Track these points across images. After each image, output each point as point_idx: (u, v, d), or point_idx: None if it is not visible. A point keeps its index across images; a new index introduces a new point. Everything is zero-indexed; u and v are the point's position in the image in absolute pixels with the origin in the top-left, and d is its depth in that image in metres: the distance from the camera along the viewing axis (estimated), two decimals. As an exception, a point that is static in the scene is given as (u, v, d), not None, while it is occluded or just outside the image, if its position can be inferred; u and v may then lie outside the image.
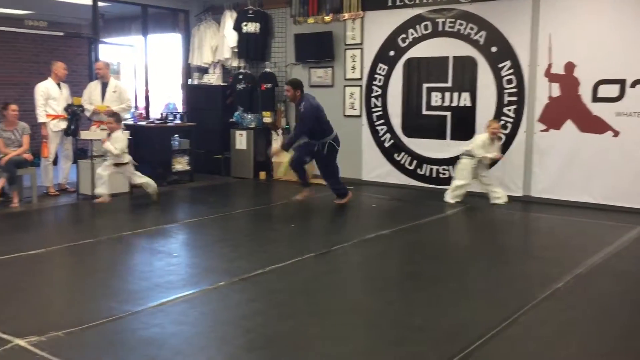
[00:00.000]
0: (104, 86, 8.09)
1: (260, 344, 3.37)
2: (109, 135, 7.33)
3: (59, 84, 7.91)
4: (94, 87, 8.15)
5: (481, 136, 7.37)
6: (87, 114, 8.16)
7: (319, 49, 9.20)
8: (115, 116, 7.50)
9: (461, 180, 7.44)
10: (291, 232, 6.31)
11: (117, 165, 7.31)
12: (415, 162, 8.59)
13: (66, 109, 7.89)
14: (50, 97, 7.81)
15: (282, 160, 7.92)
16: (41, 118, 7.77)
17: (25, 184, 7.42)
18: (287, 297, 4.20)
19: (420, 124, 8.49)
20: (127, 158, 7.40)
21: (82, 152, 8.32)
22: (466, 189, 7.45)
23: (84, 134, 7.88)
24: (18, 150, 7.12)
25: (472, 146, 7.31)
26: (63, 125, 7.89)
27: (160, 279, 4.52)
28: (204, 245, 5.78)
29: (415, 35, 8.39)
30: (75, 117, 7.92)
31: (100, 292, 4.22)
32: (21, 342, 3.27)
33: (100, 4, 9.44)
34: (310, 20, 9.32)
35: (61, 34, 10.29)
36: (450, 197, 7.51)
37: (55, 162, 8.01)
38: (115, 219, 6.90)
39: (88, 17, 9.75)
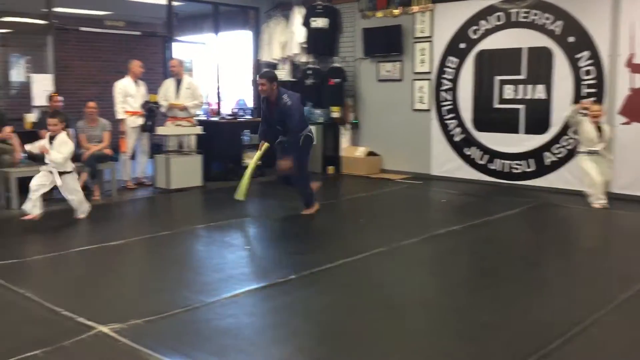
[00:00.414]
0: (178, 83, 8.34)
1: (331, 337, 3.40)
2: (51, 139, 6.05)
3: (136, 82, 8.22)
4: (169, 84, 8.42)
5: (584, 126, 6.80)
6: (163, 110, 8.45)
7: (387, 43, 9.13)
8: (60, 116, 6.13)
9: (596, 177, 6.77)
10: (360, 226, 6.31)
11: (60, 174, 6.02)
12: (486, 156, 8.40)
13: (143, 105, 8.19)
14: (128, 94, 8.13)
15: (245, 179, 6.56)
16: (120, 115, 8.10)
17: (105, 178, 7.76)
18: (357, 291, 4.21)
19: (492, 117, 8.29)
20: (71, 166, 6.17)
21: (157, 147, 8.62)
22: (602, 184, 6.84)
23: (160, 130, 8.15)
24: (99, 145, 7.45)
25: (582, 140, 6.86)
26: (140, 121, 8.19)
27: (232, 271, 4.63)
28: (274, 238, 5.88)
29: (488, 26, 8.18)
30: (151, 113, 8.23)
31: (177, 283, 4.36)
32: (104, 329, 3.43)
33: (174, 3, 9.73)
34: (379, 14, 9.26)
35: (138, 33, 10.67)
36: (595, 199, 6.81)
37: (133, 157, 8.34)
38: (188, 212, 7.12)
39: (163, 17, 10.08)
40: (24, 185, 6.46)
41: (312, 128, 6.63)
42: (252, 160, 6.58)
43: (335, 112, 9.60)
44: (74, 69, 11.31)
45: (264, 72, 6.43)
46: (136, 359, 3.10)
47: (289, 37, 10.01)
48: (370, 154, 9.51)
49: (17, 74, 9.50)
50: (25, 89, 8.53)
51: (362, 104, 9.72)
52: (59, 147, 5.99)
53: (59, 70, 8.45)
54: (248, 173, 6.49)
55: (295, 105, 6.17)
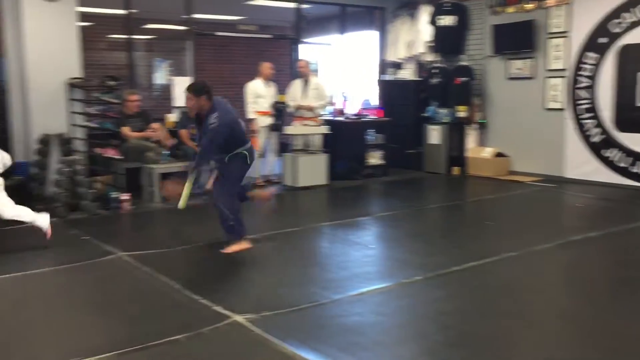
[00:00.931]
0: (306, 84, 8.55)
1: (460, 341, 3.33)
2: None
3: (266, 83, 8.53)
4: (297, 85, 8.65)
5: None
6: (290, 110, 8.70)
7: (518, 39, 8.76)
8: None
9: None
10: (488, 229, 6.11)
11: None
12: (629, 159, 7.79)
13: (272, 105, 8.49)
14: (258, 95, 8.46)
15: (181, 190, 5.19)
16: (250, 114, 8.45)
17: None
18: (486, 296, 4.08)
19: (635, 116, 7.68)
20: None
21: (285, 146, 8.89)
22: None
23: (288, 129, 8.41)
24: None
25: None
26: (269, 121, 8.50)
27: (358, 269, 4.68)
28: (398, 238, 5.85)
29: (633, 19, 7.59)
30: (280, 113, 8.51)
31: (304, 278, 4.49)
32: (239, 318, 3.60)
33: (302, 6, 9.99)
34: (510, 9, 8.91)
35: (269, 36, 11.07)
36: None
37: (262, 155, 8.67)
38: (314, 209, 7.29)
39: (292, 19, 10.39)
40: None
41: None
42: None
43: (462, 112, 9.37)
44: (208, 71, 11.96)
45: (190, 84, 5.12)
46: (268, 349, 3.23)
47: (414, 36, 9.92)
48: (499, 154, 9.18)
49: (159, 77, 10.23)
50: (166, 90, 9.16)
51: (490, 103, 9.41)
52: None
53: (196, 73, 8.98)
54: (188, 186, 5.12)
55: (220, 128, 4.84)
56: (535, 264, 4.83)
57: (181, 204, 5.06)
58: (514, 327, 3.53)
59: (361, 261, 4.94)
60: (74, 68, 7.10)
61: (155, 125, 7.51)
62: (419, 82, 9.93)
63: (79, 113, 7.11)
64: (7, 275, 4.52)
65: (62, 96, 7.02)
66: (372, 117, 9.72)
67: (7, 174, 5.30)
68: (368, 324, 3.59)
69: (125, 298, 4.08)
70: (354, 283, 4.29)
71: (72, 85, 7.06)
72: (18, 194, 6.57)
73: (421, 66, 10.06)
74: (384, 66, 10.63)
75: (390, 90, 10.39)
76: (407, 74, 10.13)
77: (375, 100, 11.42)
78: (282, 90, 8.88)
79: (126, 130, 7.22)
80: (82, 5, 7.40)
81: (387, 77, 10.44)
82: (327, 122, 8.81)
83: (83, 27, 7.43)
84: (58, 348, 3.30)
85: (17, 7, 6.92)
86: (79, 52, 7.20)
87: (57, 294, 4.24)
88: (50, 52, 6.97)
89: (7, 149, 6.67)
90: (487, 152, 9.22)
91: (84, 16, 7.57)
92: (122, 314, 3.78)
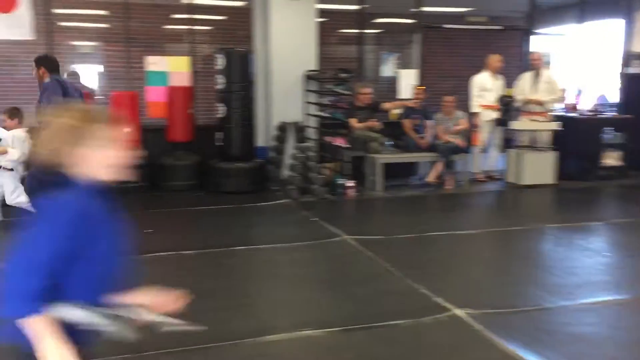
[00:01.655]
0: (536, 77, 8.10)
1: None
2: None
3: (494, 76, 8.27)
4: (526, 78, 8.24)
5: None
6: (517, 104, 8.33)
7: None
8: (11, 112, 5.54)
9: None
10: None
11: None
12: None
13: (499, 99, 8.21)
14: (484, 88, 8.24)
15: None
16: (474, 108, 8.27)
17: (457, 169, 8.05)
18: None
19: None
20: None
21: (509, 142, 8.55)
22: None
23: (514, 124, 8.07)
24: (459, 127, 7.80)
25: None
26: (495, 115, 8.24)
27: (590, 277, 4.35)
28: (637, 248, 5.29)
29: None
30: (506, 107, 8.19)
31: (526, 280, 4.31)
32: (458, 312, 3.59)
33: (537, -5, 9.47)
34: None
35: (500, 27, 10.70)
36: None
37: (485, 150, 8.45)
38: (539, 210, 6.92)
39: (524, 10, 9.89)
40: (388, 170, 7.29)
41: None
42: None
43: None
44: (433, 64, 11.96)
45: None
46: (488, 346, 3.18)
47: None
48: None
49: (386, 69, 10.51)
50: (392, 83, 9.38)
51: None
52: None
53: (421, 65, 9.03)
54: None
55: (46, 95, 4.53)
56: None
57: None
58: None
59: (593, 268, 4.58)
60: (310, 61, 7.63)
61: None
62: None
63: (313, 103, 7.63)
64: (242, 247, 5.06)
65: (299, 87, 7.60)
66: (610, 114, 8.88)
67: None
68: (602, 337, 3.33)
69: (349, 279, 4.32)
70: (586, 291, 4.00)
71: (308, 77, 7.60)
72: (258, 175, 7.35)
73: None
74: (629, 58, 9.59)
75: (634, 85, 9.35)
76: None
77: (614, 96, 10.40)
78: (509, 83, 8.54)
79: (353, 121, 7.58)
80: (321, 2, 7.90)
81: (632, 71, 9.41)
82: (558, 118, 8.26)
83: (319, 23, 7.93)
84: (291, 318, 3.61)
85: (265, 7, 7.64)
86: (316, 47, 7.71)
87: (288, 269, 4.64)
88: (292, 47, 7.58)
89: (251, 135, 7.47)
90: None
91: (321, 12, 8.06)
92: (347, 293, 4.01)
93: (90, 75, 9.36)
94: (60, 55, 7.34)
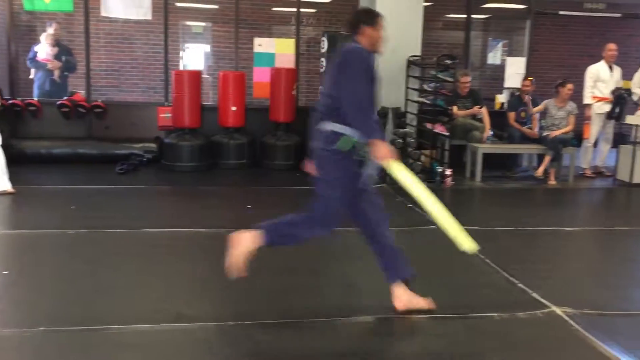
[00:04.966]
0: (657, 69, 7.59)
1: None
2: None
3: (610, 67, 7.82)
4: (646, 70, 7.73)
5: None
6: (635, 98, 7.84)
7: None
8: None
9: None
10: None
11: None
12: None
13: (613, 92, 7.76)
14: (599, 79, 7.81)
15: None
16: (587, 100, 7.87)
17: (564, 163, 7.71)
18: None
19: None
20: None
21: (623, 137, 8.08)
22: None
23: (629, 119, 7.60)
24: (563, 129, 7.43)
25: None
26: (607, 108, 7.80)
27: None
28: None
29: None
30: (621, 100, 7.73)
31: (633, 283, 4.11)
32: (557, 310, 3.48)
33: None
34: None
35: (618, 15, 10.07)
36: None
37: (595, 145, 8.04)
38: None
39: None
40: (487, 161, 7.12)
41: None
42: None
43: None
44: (542, 52, 11.46)
45: None
46: (587, 348, 3.06)
47: None
48: None
49: (493, 56, 10.21)
50: (499, 71, 9.11)
51: None
52: None
53: (530, 53, 8.69)
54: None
55: None
56: None
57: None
58: None
59: None
60: (415, 46, 7.53)
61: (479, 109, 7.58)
62: None
63: (414, 89, 7.55)
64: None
65: (402, 73, 7.53)
66: None
67: None
68: None
69: (445, 268, 4.29)
70: None
71: (411, 62, 7.52)
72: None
73: None
74: None
75: None
76: None
77: None
78: (629, 75, 8.04)
79: (455, 109, 7.45)
80: (429, -14, 7.77)
81: None
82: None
83: (425, 7, 7.80)
84: (383, 300, 3.63)
85: (372, -10, 7.62)
86: (420, 32, 7.60)
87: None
88: (397, 32, 7.41)
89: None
90: None
91: (427, -4, 7.94)
92: (442, 282, 3.98)
93: (199, 54, 9.77)
94: (174, 35, 7.73)
